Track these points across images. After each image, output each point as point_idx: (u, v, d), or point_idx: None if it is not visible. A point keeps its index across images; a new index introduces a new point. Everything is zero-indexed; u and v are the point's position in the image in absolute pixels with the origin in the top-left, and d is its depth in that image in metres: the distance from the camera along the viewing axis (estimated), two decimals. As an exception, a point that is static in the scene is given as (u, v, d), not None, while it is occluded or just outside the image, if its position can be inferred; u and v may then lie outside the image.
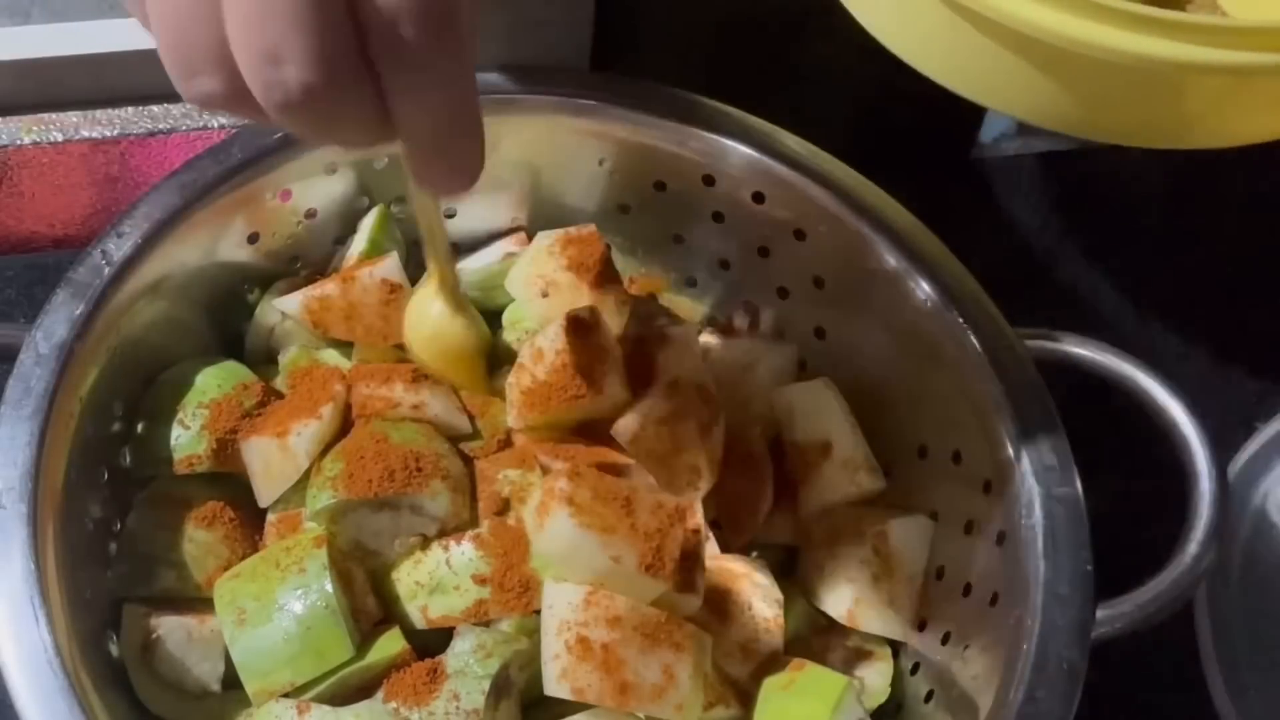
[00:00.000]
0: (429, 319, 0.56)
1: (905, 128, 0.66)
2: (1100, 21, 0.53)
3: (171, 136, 0.76)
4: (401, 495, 0.55)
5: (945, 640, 0.59)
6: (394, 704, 0.53)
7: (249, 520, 0.59)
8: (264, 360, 0.63)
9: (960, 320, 0.59)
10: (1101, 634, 0.53)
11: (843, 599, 0.60)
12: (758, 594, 0.58)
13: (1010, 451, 0.56)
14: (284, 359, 0.63)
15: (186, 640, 0.56)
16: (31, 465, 0.51)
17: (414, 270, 0.64)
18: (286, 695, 0.54)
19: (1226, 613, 0.68)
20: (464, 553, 0.56)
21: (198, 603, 0.56)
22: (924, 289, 0.60)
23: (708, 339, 0.67)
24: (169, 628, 0.56)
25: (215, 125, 0.77)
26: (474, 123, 0.41)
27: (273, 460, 0.57)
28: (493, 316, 0.67)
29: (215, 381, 0.60)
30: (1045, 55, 0.55)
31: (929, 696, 0.58)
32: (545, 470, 0.57)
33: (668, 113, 0.63)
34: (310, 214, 0.64)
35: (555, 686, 0.51)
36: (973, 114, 0.81)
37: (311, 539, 0.55)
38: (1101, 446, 0.58)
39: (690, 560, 0.54)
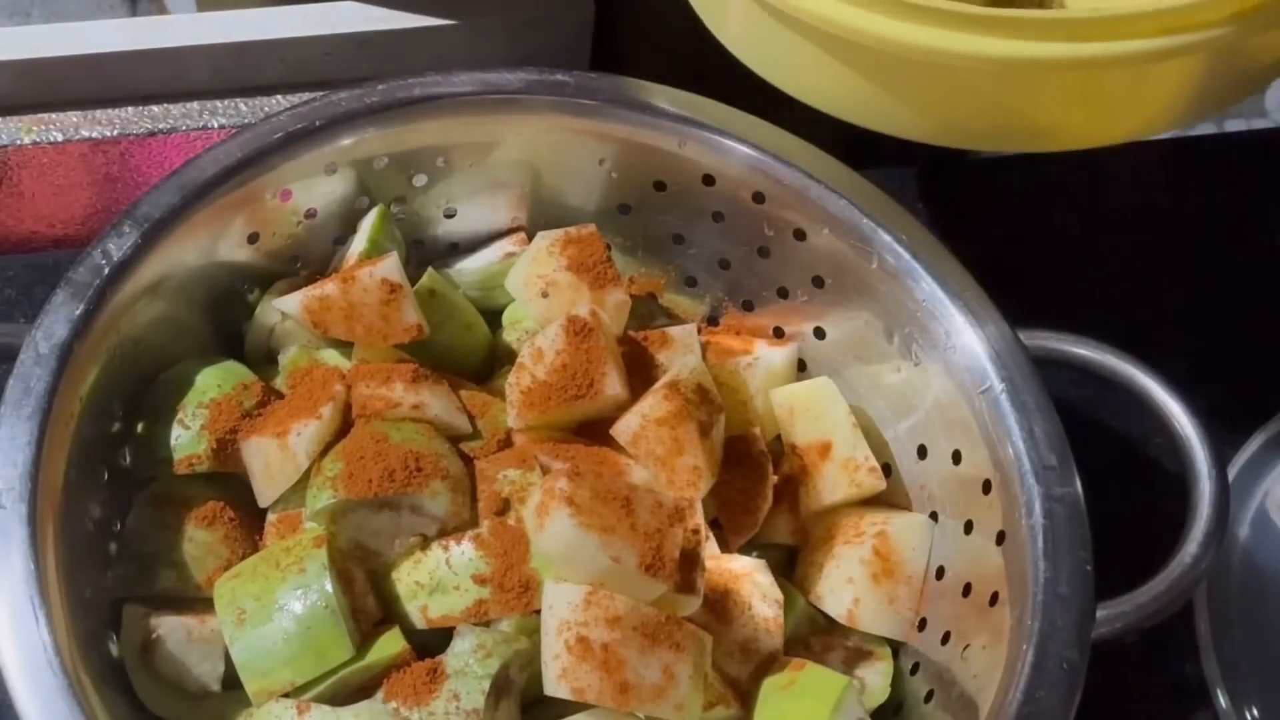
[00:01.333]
0: None
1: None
2: (923, 23, 0.54)
3: (171, 136, 0.76)
4: (401, 495, 0.55)
5: (945, 640, 0.58)
6: (394, 704, 0.53)
7: (249, 520, 0.59)
8: (264, 360, 0.63)
9: (960, 320, 0.59)
10: (1101, 634, 0.53)
11: (843, 599, 0.60)
12: (758, 594, 0.58)
13: (1010, 451, 0.56)
14: (284, 359, 0.63)
15: (186, 640, 0.56)
16: (31, 465, 0.51)
17: (414, 270, 0.64)
18: (286, 695, 0.54)
19: (1226, 613, 0.68)
20: (464, 553, 0.56)
21: (198, 603, 0.56)
22: (924, 289, 0.60)
23: (708, 339, 0.67)
24: (169, 628, 0.56)
25: (215, 125, 0.77)
26: None
27: (273, 460, 0.57)
28: (493, 316, 0.67)
29: (215, 381, 0.60)
30: (870, 60, 0.56)
31: (929, 696, 0.58)
32: (545, 470, 0.57)
33: (668, 113, 0.63)
34: (310, 214, 0.64)
35: (555, 686, 0.51)
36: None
37: (311, 539, 0.55)
38: (1101, 446, 0.58)
39: (690, 560, 0.54)
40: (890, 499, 0.63)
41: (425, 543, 0.56)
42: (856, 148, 0.63)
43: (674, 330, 0.65)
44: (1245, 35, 0.54)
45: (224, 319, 0.64)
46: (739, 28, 0.61)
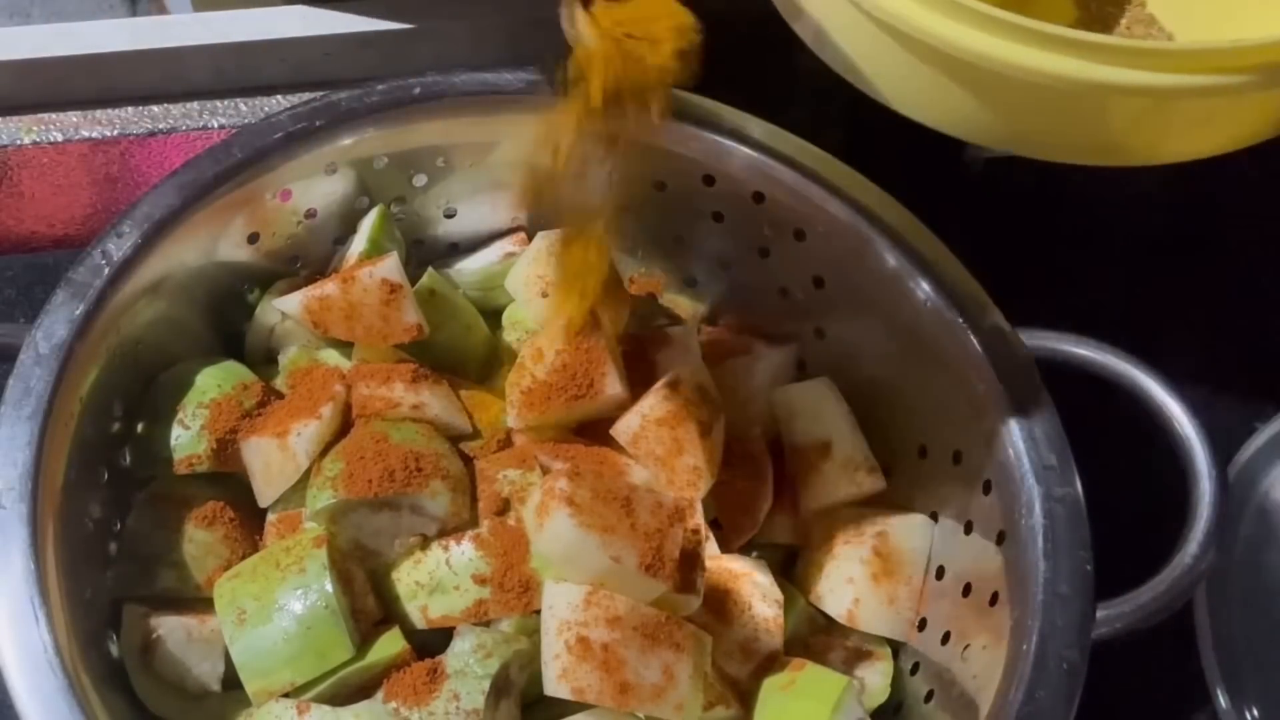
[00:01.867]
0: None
1: (905, 127, 0.66)
2: (1025, 43, 0.54)
3: (171, 136, 0.76)
4: (401, 495, 0.55)
5: (945, 640, 0.58)
6: (394, 704, 0.53)
7: (249, 520, 0.59)
8: (264, 360, 0.63)
9: (960, 320, 0.59)
10: (1101, 634, 0.53)
11: (843, 599, 0.60)
12: (758, 594, 0.58)
13: (1010, 451, 0.56)
14: (284, 359, 0.63)
15: (186, 640, 0.56)
16: (31, 465, 0.51)
17: (414, 270, 0.64)
18: (286, 695, 0.54)
19: (1226, 613, 0.67)
20: (464, 553, 0.56)
21: (198, 603, 0.56)
22: (924, 289, 0.60)
23: (708, 339, 0.67)
24: (169, 628, 0.56)
25: (215, 125, 0.77)
26: None
27: (273, 460, 0.57)
28: (493, 316, 0.67)
29: (215, 381, 0.60)
30: (974, 76, 0.56)
31: (929, 696, 0.58)
32: (545, 470, 0.57)
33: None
34: (310, 214, 0.64)
35: (555, 686, 0.51)
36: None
37: (311, 539, 0.55)
38: (1101, 446, 0.58)
39: (690, 560, 0.54)
40: (890, 499, 0.63)
41: (425, 543, 0.56)
42: (856, 148, 0.63)
43: (674, 330, 0.65)
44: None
45: (224, 319, 0.64)
46: (825, 27, 0.61)
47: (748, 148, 0.63)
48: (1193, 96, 0.56)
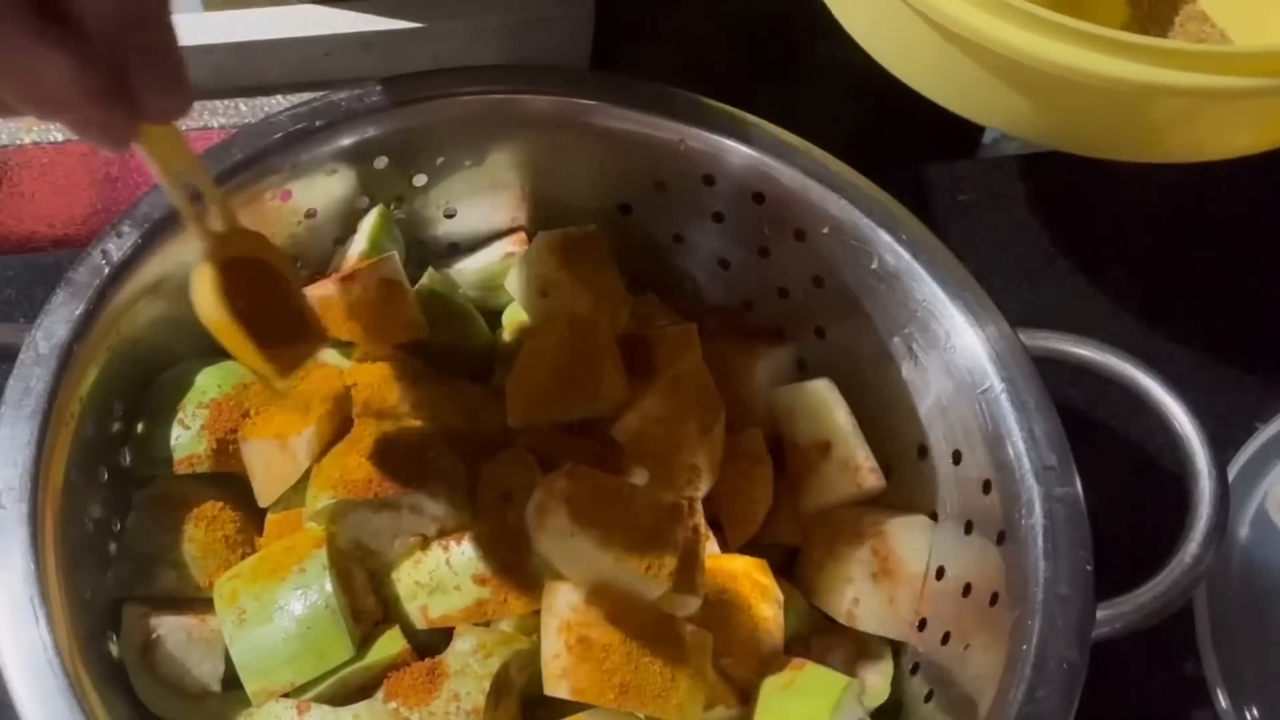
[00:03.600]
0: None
1: (906, 128, 0.66)
2: (1075, 44, 0.54)
3: (171, 136, 0.76)
4: (401, 495, 0.55)
5: (945, 640, 0.58)
6: (394, 704, 0.53)
7: (249, 520, 0.59)
8: (264, 360, 0.63)
9: (960, 320, 0.59)
10: (1101, 634, 0.53)
11: (843, 599, 0.60)
12: (758, 594, 0.58)
13: (1010, 451, 0.56)
14: (284, 359, 0.63)
15: (186, 640, 0.56)
16: (31, 465, 0.51)
17: (414, 270, 0.64)
18: (286, 695, 0.54)
19: (1226, 613, 0.68)
20: (464, 553, 0.56)
21: (198, 603, 0.56)
22: (924, 289, 0.60)
23: (708, 339, 0.67)
24: (169, 628, 0.56)
25: (215, 125, 0.77)
26: (162, 32, 0.40)
27: (273, 460, 0.57)
28: (493, 316, 0.67)
29: (215, 381, 0.60)
30: (1023, 75, 0.56)
31: (929, 696, 0.58)
32: (545, 470, 0.57)
33: (668, 113, 0.63)
34: (310, 214, 0.64)
35: (555, 686, 0.51)
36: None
37: (311, 539, 0.55)
38: (1102, 447, 0.58)
39: (690, 560, 0.54)
40: (890, 499, 0.63)
41: (425, 543, 0.56)
42: (857, 148, 0.63)
43: (674, 330, 0.65)
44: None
45: (224, 319, 0.64)
46: (873, 24, 0.61)
47: (748, 148, 0.63)
48: (1243, 98, 0.56)
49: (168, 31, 0.40)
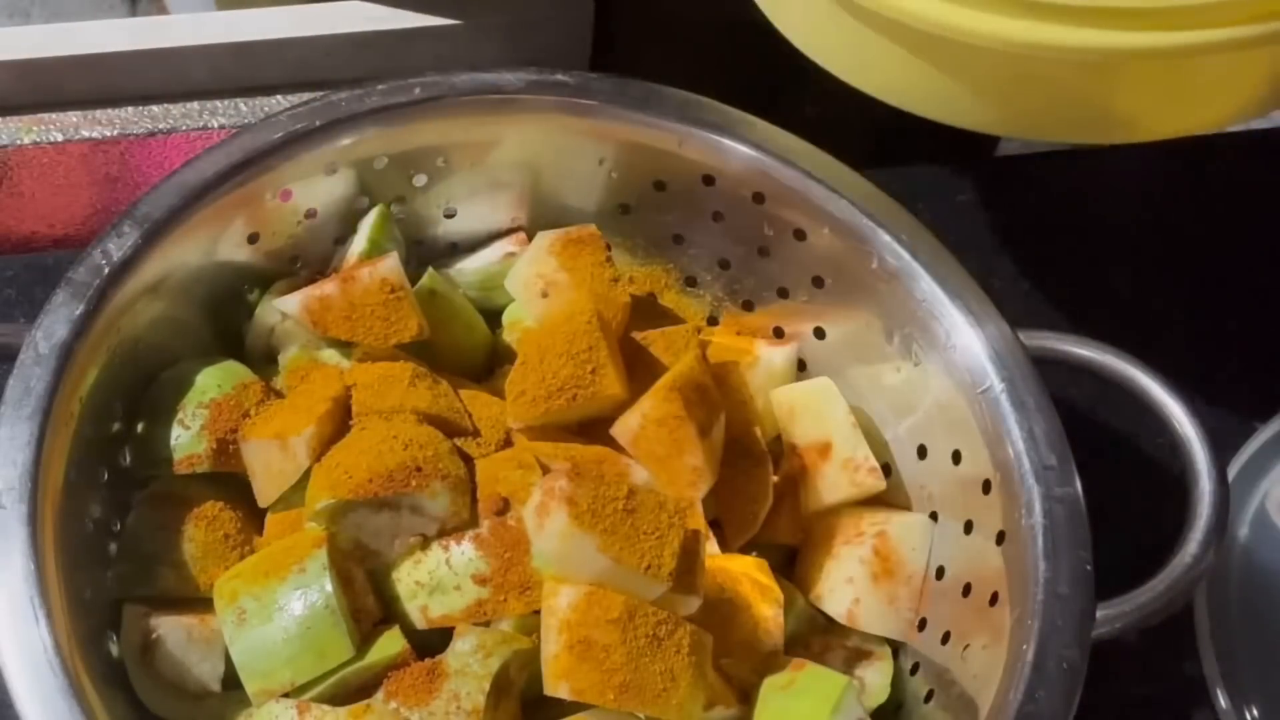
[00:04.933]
0: None
1: (906, 128, 0.66)
2: (1008, 14, 0.52)
3: (171, 136, 0.76)
4: (401, 495, 0.55)
5: (945, 640, 0.58)
6: (394, 704, 0.53)
7: (249, 520, 0.59)
8: (264, 360, 0.63)
9: (960, 320, 0.59)
10: (1101, 634, 0.53)
11: (843, 599, 0.60)
12: (758, 594, 0.58)
13: (1010, 451, 0.56)
14: (284, 359, 0.63)
15: (186, 640, 0.56)
16: (31, 465, 0.51)
17: (414, 270, 0.64)
18: (286, 695, 0.54)
19: (1226, 613, 0.68)
20: (464, 553, 0.56)
21: (198, 603, 0.56)
22: (924, 289, 0.60)
23: (708, 339, 0.67)
24: (169, 628, 0.56)
25: (215, 125, 0.77)
26: None
27: (273, 460, 0.57)
28: (493, 316, 0.67)
29: (215, 381, 0.60)
30: (950, 52, 0.54)
31: (929, 696, 0.58)
32: (545, 470, 0.57)
33: (668, 113, 0.63)
34: (310, 214, 0.64)
35: (555, 686, 0.51)
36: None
37: (311, 539, 0.55)
38: (1102, 447, 0.58)
39: (690, 560, 0.54)
40: (890, 499, 0.63)
41: (425, 543, 0.56)
42: (857, 148, 0.63)
43: (674, 330, 0.65)
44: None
45: (224, 319, 0.64)
46: (799, 14, 0.60)
47: (748, 148, 0.63)
48: (1159, 58, 0.54)
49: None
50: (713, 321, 0.69)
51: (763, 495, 0.62)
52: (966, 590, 0.58)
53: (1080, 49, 0.53)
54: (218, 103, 0.77)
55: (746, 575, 0.59)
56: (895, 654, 0.61)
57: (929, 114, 0.59)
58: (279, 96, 0.77)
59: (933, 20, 0.54)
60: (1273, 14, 0.53)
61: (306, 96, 0.66)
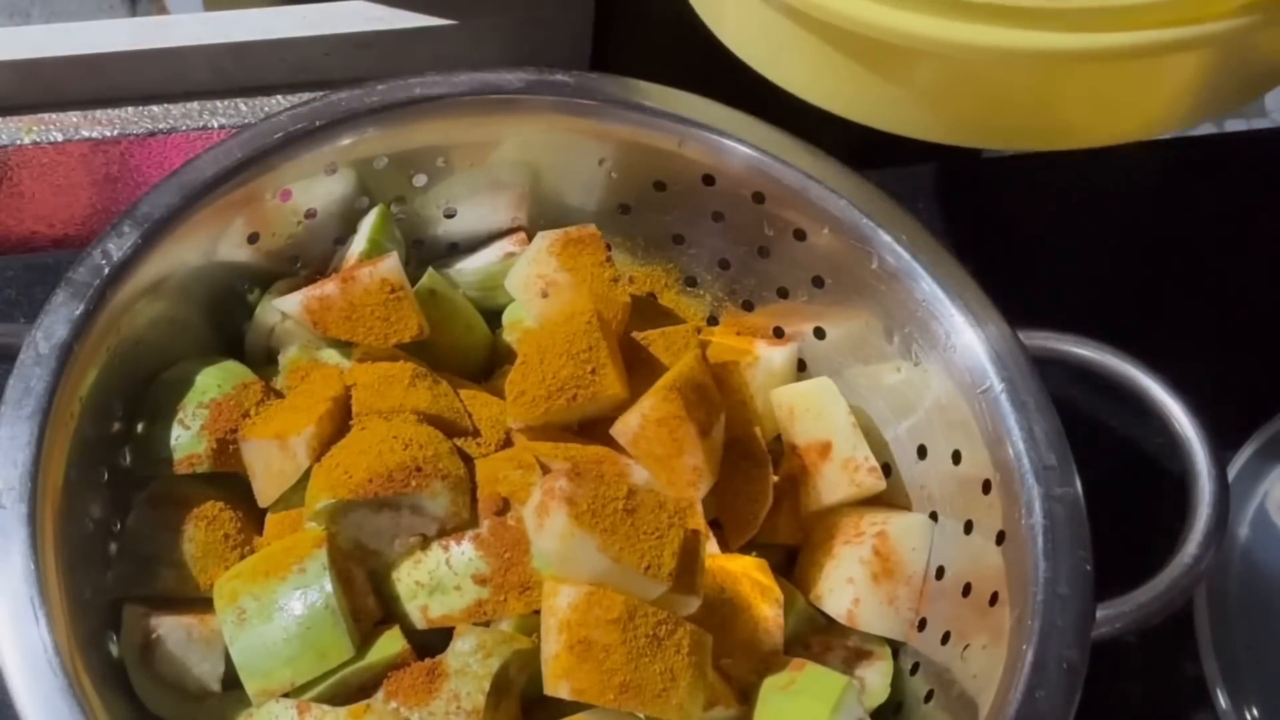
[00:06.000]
0: None
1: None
2: (929, 13, 0.52)
3: (171, 136, 0.76)
4: (401, 495, 0.55)
5: (945, 640, 0.58)
6: (394, 704, 0.53)
7: (249, 520, 0.59)
8: (264, 360, 0.63)
9: (960, 320, 0.59)
10: (1101, 634, 0.53)
11: (843, 599, 0.60)
12: (758, 594, 0.58)
13: (1010, 451, 0.56)
14: (284, 359, 0.63)
15: (186, 640, 0.56)
16: (31, 465, 0.51)
17: (414, 270, 0.64)
18: (286, 695, 0.54)
19: (1226, 613, 0.68)
20: (464, 553, 0.56)
21: (198, 603, 0.56)
22: (924, 289, 0.60)
23: (708, 339, 0.67)
24: (169, 628, 0.56)
25: (215, 125, 0.77)
26: None
27: (273, 460, 0.57)
28: (493, 316, 0.67)
29: (215, 381, 0.60)
30: (894, 60, 0.54)
31: (929, 696, 0.58)
32: (545, 470, 0.57)
33: (668, 113, 0.63)
34: (310, 214, 0.64)
35: (555, 686, 0.51)
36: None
37: (311, 539, 0.55)
38: (1102, 447, 0.58)
39: (690, 560, 0.54)
40: (890, 499, 0.63)
41: (425, 543, 0.56)
42: (858, 148, 0.63)
43: (674, 330, 0.65)
44: (1257, 29, 0.54)
45: (224, 319, 0.64)
46: (736, 22, 0.60)
47: (748, 148, 0.63)
48: (1101, 60, 0.53)
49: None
50: (713, 321, 0.69)
51: (763, 495, 0.62)
52: (966, 590, 0.58)
53: (1010, 50, 0.52)
54: (218, 103, 0.77)
55: (746, 575, 0.59)
56: (895, 654, 0.61)
57: (861, 119, 0.59)
58: (279, 96, 0.77)
59: (859, 20, 0.53)
60: (1205, 16, 0.53)
61: (306, 96, 0.66)
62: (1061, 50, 0.53)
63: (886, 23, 0.53)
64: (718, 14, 0.61)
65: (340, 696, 0.54)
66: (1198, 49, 0.54)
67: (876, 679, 0.60)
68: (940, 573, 0.60)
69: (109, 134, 0.76)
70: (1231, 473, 0.71)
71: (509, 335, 0.66)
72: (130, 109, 0.76)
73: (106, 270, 0.56)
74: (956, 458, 0.60)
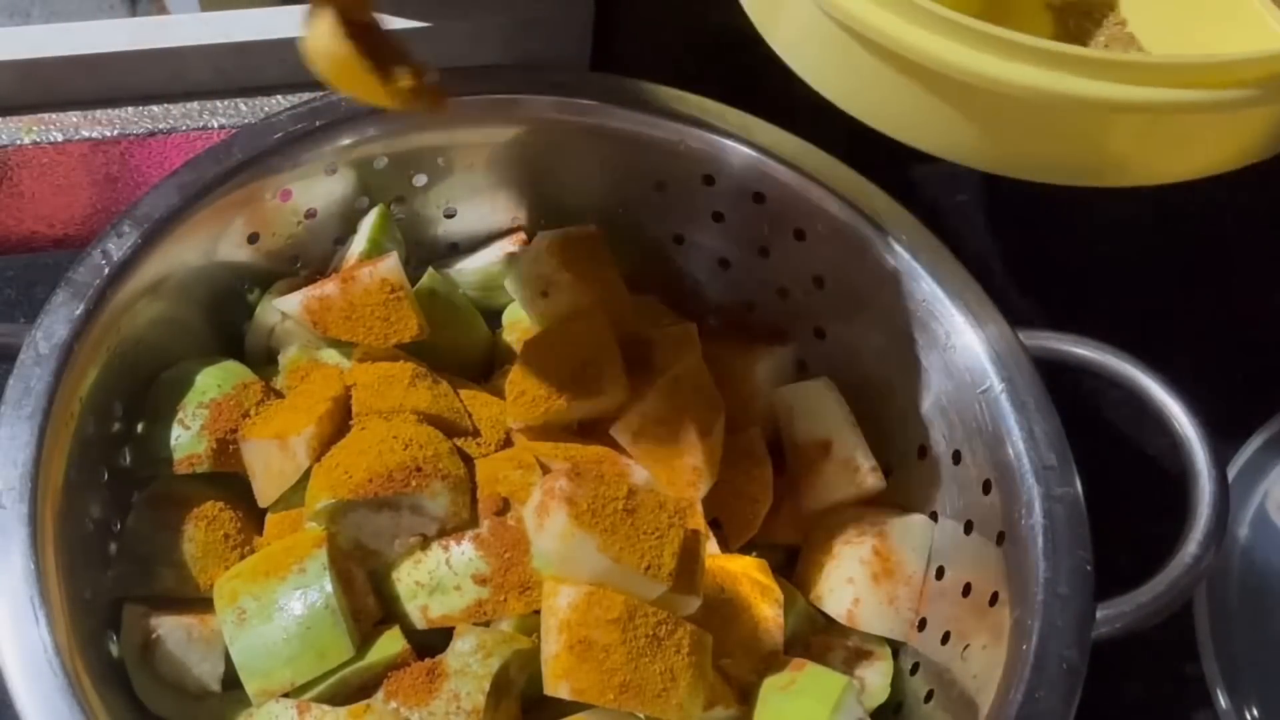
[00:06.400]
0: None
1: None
2: (1010, 58, 0.52)
3: (171, 136, 0.76)
4: (401, 495, 0.55)
5: (945, 640, 0.59)
6: (394, 704, 0.53)
7: (249, 520, 0.59)
8: (264, 360, 0.63)
9: (960, 320, 0.59)
10: (1101, 634, 0.53)
11: (843, 599, 0.60)
12: (758, 594, 0.58)
13: (1010, 451, 0.56)
14: (284, 359, 0.63)
15: (186, 640, 0.56)
16: (31, 465, 0.51)
17: (414, 270, 0.64)
18: (286, 695, 0.54)
19: (1226, 612, 0.68)
20: (464, 553, 0.56)
21: (198, 603, 0.56)
22: (924, 289, 0.60)
23: (708, 339, 0.67)
24: (169, 628, 0.56)
25: (215, 125, 0.77)
26: None
27: (273, 460, 0.57)
28: (493, 316, 0.67)
29: (215, 381, 0.60)
30: (958, 93, 0.54)
31: (929, 696, 0.58)
32: (545, 470, 0.57)
33: (668, 113, 0.63)
34: (310, 214, 0.64)
35: (555, 686, 0.51)
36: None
37: (311, 539, 0.55)
38: (1102, 447, 0.58)
39: (690, 560, 0.54)
40: (890, 499, 0.63)
41: (425, 543, 0.56)
42: (858, 149, 0.63)
43: (674, 330, 0.65)
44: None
45: (224, 319, 0.64)
46: (796, 36, 0.60)
47: (748, 148, 0.63)
48: (1175, 113, 0.54)
49: None
50: (713, 321, 0.69)
51: (763, 495, 0.62)
52: (966, 590, 0.58)
53: (1059, 95, 0.53)
54: (218, 103, 0.77)
55: (746, 575, 0.59)
56: (895, 654, 0.61)
57: (922, 146, 0.59)
58: (279, 96, 0.77)
59: (923, 52, 0.54)
60: (1263, 79, 0.53)
61: (306, 96, 0.66)
62: (1132, 102, 0.53)
63: (966, 64, 0.53)
64: (770, 20, 0.61)
65: (340, 696, 0.54)
66: (1270, 105, 0.54)
67: (876, 679, 0.60)
68: (940, 573, 0.60)
69: (109, 134, 0.75)
70: (1231, 473, 0.71)
71: (509, 335, 0.66)
72: (130, 109, 0.76)
73: (106, 270, 0.56)
74: (956, 458, 0.60)
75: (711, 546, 0.59)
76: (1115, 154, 0.57)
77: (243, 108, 0.77)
